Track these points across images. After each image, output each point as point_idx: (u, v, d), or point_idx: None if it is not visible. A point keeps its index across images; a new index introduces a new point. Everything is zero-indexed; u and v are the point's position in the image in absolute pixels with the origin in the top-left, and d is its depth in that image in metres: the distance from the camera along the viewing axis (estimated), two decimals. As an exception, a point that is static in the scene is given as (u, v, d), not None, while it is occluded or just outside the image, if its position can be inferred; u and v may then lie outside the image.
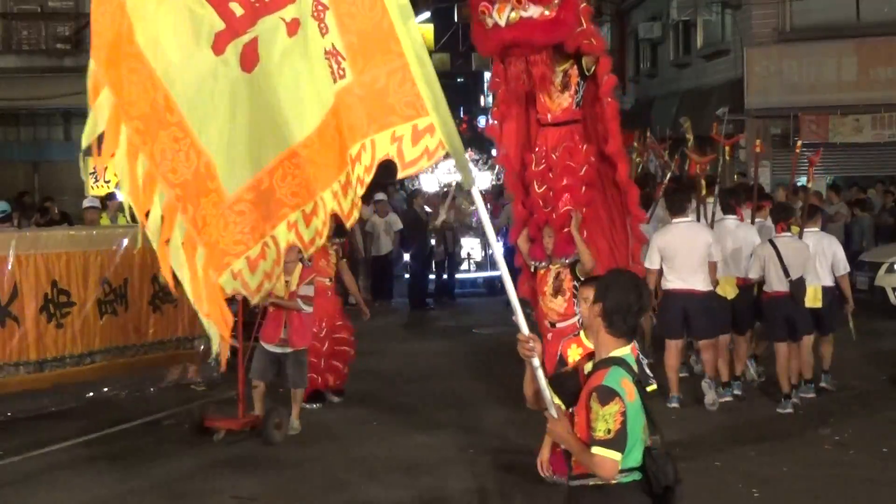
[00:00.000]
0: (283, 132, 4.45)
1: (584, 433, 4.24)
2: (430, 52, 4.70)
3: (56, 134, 22.71)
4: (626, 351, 4.33)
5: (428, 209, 19.41)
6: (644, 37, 28.81)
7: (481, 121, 39.77)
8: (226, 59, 4.41)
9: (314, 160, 4.42)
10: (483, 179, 21.24)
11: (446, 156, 4.25)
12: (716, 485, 7.73)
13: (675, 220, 10.41)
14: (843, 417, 9.87)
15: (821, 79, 21.29)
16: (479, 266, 20.27)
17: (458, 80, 46.77)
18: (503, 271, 4.54)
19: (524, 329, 4.43)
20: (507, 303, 14.19)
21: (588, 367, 4.43)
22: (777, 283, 10.24)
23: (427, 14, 34.29)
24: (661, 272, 10.27)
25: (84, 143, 4.25)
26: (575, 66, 8.11)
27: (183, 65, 4.41)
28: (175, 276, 4.34)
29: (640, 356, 4.54)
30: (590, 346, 5.38)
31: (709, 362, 10.49)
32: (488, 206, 19.13)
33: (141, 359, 11.01)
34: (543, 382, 4.37)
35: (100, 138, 4.23)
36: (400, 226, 18.51)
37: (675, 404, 10.06)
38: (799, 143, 12.50)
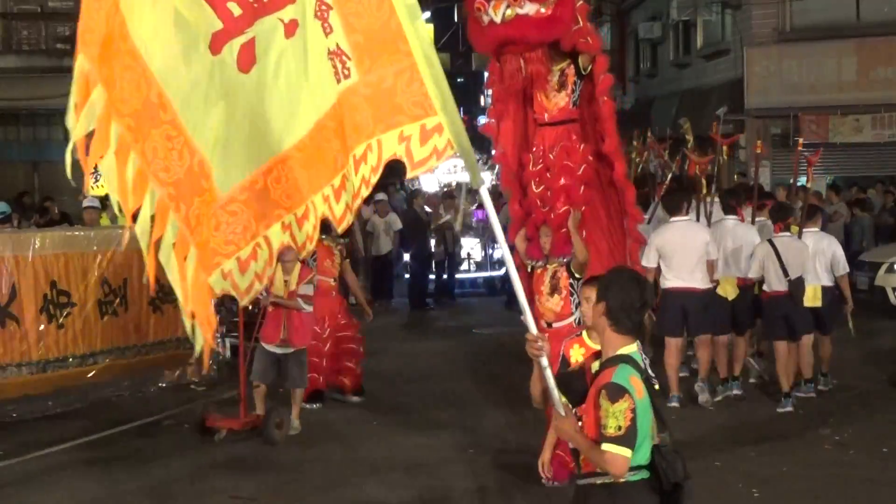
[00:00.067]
0: (279, 134, 4.44)
1: (593, 432, 4.24)
2: (432, 53, 4.66)
3: (56, 134, 22.69)
4: (633, 348, 4.33)
5: (428, 209, 19.42)
6: (644, 37, 28.80)
7: (481, 120, 39.61)
8: (222, 58, 4.40)
9: (306, 164, 4.40)
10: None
11: (455, 156, 4.23)
12: (716, 485, 7.73)
13: (672, 219, 10.45)
14: (843, 417, 9.87)
15: (821, 79, 21.30)
16: (479, 266, 20.28)
17: (458, 80, 46.75)
18: (511, 271, 4.53)
19: (532, 328, 4.44)
20: (507, 303, 14.28)
21: (595, 365, 4.43)
22: (776, 283, 10.25)
23: (427, 14, 34.36)
24: (659, 271, 10.29)
25: (75, 138, 4.25)
26: (572, 65, 8.09)
27: (178, 63, 4.40)
28: (158, 277, 4.33)
29: (643, 355, 4.53)
30: (592, 345, 5.38)
31: (704, 361, 10.53)
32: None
33: (141, 359, 11.03)
34: (551, 381, 4.38)
35: (88, 137, 4.23)
36: (400, 226, 18.52)
37: (675, 403, 10.07)
38: (801, 141, 12.48)
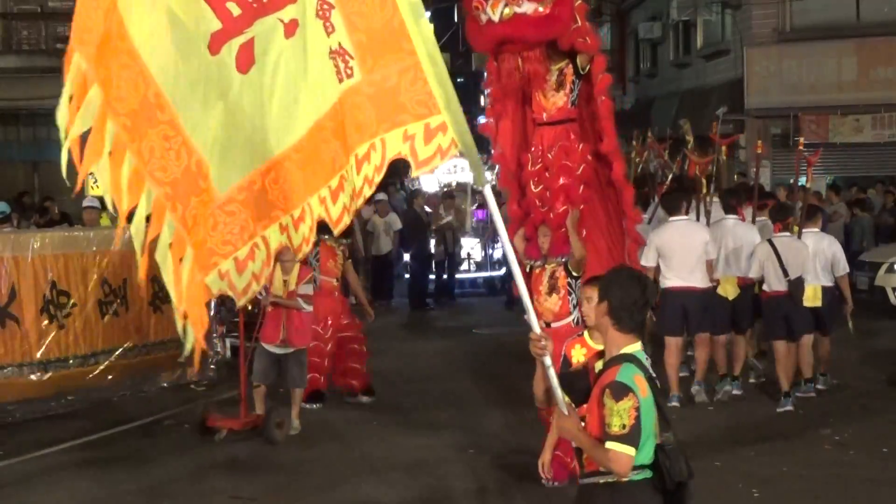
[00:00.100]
0: (277, 135, 4.42)
1: (597, 430, 4.24)
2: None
3: (56, 134, 22.32)
4: (636, 347, 4.33)
5: (428, 209, 19.43)
6: (644, 37, 28.81)
7: (481, 120, 39.64)
8: (221, 59, 4.40)
9: (303, 165, 4.38)
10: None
11: (459, 154, 4.22)
12: (716, 485, 7.72)
13: (671, 219, 10.46)
14: (843, 417, 9.87)
15: (821, 79, 21.30)
16: (479, 266, 20.28)
17: (458, 80, 46.82)
18: (515, 269, 4.53)
19: (536, 328, 4.44)
20: (507, 303, 14.25)
21: (599, 365, 4.43)
22: (776, 283, 10.26)
23: (427, 14, 34.28)
24: (658, 270, 10.30)
25: (71, 137, 4.25)
26: (570, 65, 8.08)
27: (177, 63, 4.40)
28: (150, 277, 4.33)
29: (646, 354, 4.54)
30: (594, 346, 5.38)
31: (701, 361, 10.56)
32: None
33: (142, 359, 11.03)
34: (555, 381, 4.38)
35: (82, 137, 4.22)
36: (399, 226, 18.52)
37: (675, 403, 10.06)
38: (802, 140, 12.49)
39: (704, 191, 11.66)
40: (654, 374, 4.38)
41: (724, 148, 12.53)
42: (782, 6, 21.89)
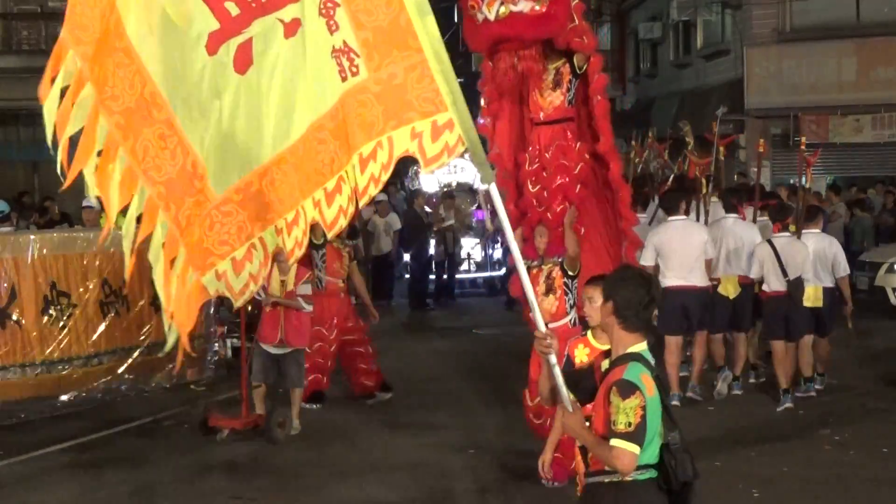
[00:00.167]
0: (273, 136, 4.39)
1: (602, 429, 4.24)
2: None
3: (56, 134, 22.70)
4: (643, 346, 4.32)
5: (428, 209, 19.42)
6: (644, 37, 28.80)
7: (481, 121, 39.68)
8: (219, 59, 4.39)
9: (298, 167, 4.35)
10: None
11: (465, 152, 4.22)
12: (716, 485, 7.72)
13: (670, 219, 10.48)
14: (842, 417, 9.87)
15: (821, 79, 21.29)
16: (479, 266, 20.26)
17: (459, 80, 46.68)
18: (520, 267, 4.52)
19: (541, 326, 4.43)
20: (507, 303, 14.20)
21: (605, 364, 4.43)
22: (775, 283, 10.26)
23: (427, 14, 34.23)
24: (656, 269, 10.31)
25: (66, 136, 4.25)
26: (567, 64, 8.07)
27: (175, 63, 4.40)
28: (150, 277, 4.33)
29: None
30: (597, 345, 5.38)
31: (698, 360, 10.58)
32: (489, 207, 19.18)
33: (142, 360, 11.03)
34: (560, 379, 4.38)
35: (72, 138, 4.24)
36: (399, 225, 18.51)
37: (675, 402, 10.06)
38: (804, 140, 12.48)
39: (704, 191, 11.67)
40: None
41: (722, 148, 12.54)
42: (782, 6, 21.89)
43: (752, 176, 14.06)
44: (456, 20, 38.25)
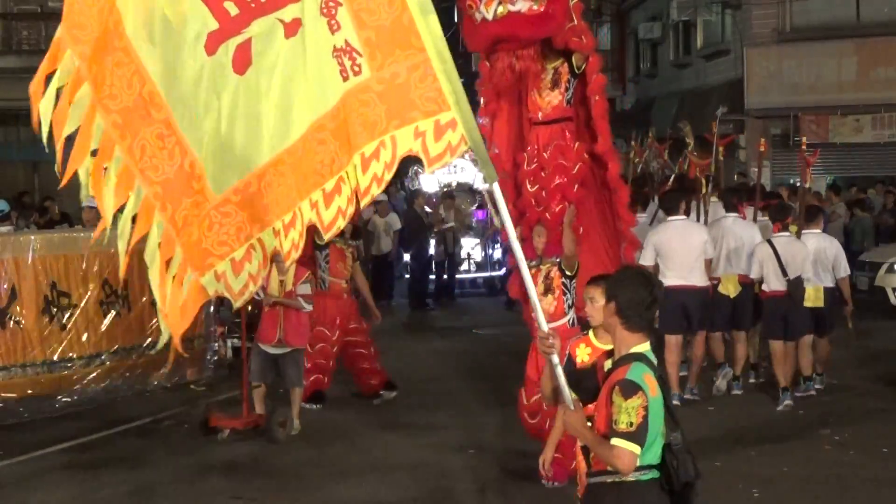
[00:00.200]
0: (272, 137, 4.38)
1: (604, 429, 4.24)
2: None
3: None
4: (646, 347, 4.32)
5: (428, 209, 19.41)
6: (644, 37, 28.80)
7: (479, 121, 39.67)
8: (218, 59, 4.38)
9: (295, 169, 4.34)
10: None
11: (468, 151, 4.21)
12: (716, 485, 7.72)
13: (669, 219, 10.49)
14: (842, 417, 9.87)
15: (821, 79, 21.29)
16: (479, 266, 20.25)
17: (460, 80, 46.79)
18: (523, 267, 4.52)
19: (544, 326, 4.43)
20: (507, 303, 14.16)
21: (608, 364, 4.43)
22: (775, 282, 10.27)
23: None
24: (656, 269, 10.31)
25: (62, 135, 4.25)
26: (565, 63, 8.06)
27: (174, 63, 4.39)
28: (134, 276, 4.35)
29: None
30: (599, 345, 5.37)
31: (697, 359, 10.58)
32: (489, 207, 19.17)
33: (143, 360, 11.03)
34: (562, 379, 4.38)
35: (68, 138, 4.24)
36: (399, 225, 18.51)
37: (675, 402, 10.07)
38: (805, 140, 12.48)
39: (704, 191, 11.68)
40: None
41: (721, 148, 12.55)
42: (782, 6, 21.88)
43: (752, 176, 14.09)
44: (456, 20, 38.30)
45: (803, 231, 10.80)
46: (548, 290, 7.95)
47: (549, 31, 7.67)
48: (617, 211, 8.40)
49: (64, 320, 10.36)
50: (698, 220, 11.27)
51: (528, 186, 8.20)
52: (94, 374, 10.60)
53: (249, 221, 4.44)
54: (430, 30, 4.09)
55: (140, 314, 11.06)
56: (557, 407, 4.72)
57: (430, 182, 21.13)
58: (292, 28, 4.34)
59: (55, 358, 10.27)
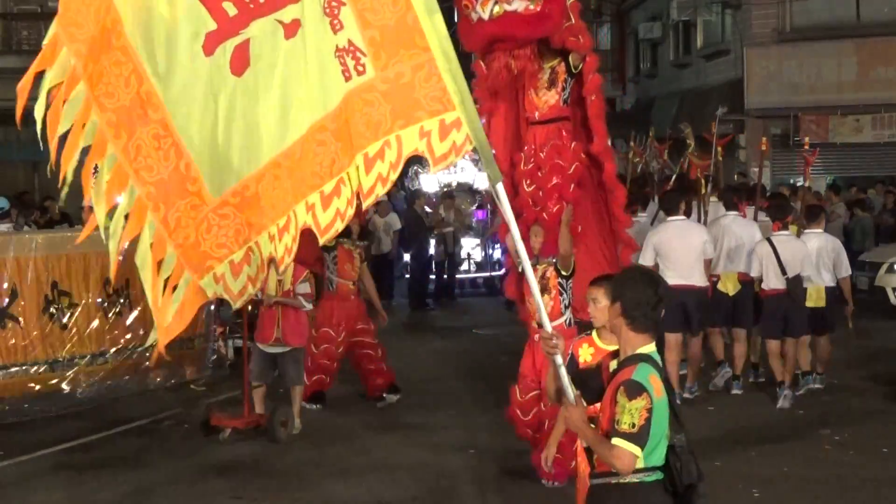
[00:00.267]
0: (270, 140, 4.36)
1: (608, 429, 4.23)
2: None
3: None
4: (651, 347, 4.31)
5: (428, 209, 19.40)
6: (644, 37, 28.80)
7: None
8: (215, 60, 4.37)
9: (292, 171, 4.31)
10: (484, 179, 21.19)
11: (473, 151, 4.20)
12: (716, 485, 7.70)
13: (669, 219, 10.50)
14: (843, 417, 9.88)
15: (821, 79, 21.30)
16: (479, 266, 20.25)
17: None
18: (527, 267, 4.52)
19: (547, 326, 4.43)
20: (507, 303, 14.12)
21: (613, 364, 4.42)
22: (775, 281, 10.29)
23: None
24: (655, 269, 10.33)
25: (56, 134, 4.25)
26: (562, 63, 8.05)
27: (172, 64, 4.39)
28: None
29: None
30: (601, 345, 5.38)
31: (694, 360, 10.58)
32: (489, 207, 19.18)
33: (143, 360, 11.02)
34: (566, 380, 4.37)
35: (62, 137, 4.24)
36: (399, 225, 18.50)
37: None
38: (807, 140, 12.48)
39: (703, 191, 11.69)
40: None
41: (720, 148, 12.57)
42: (782, 6, 21.89)
43: (752, 176, 14.09)
44: (456, 20, 38.33)
45: (805, 230, 10.81)
46: (544, 290, 7.93)
47: (546, 30, 7.65)
48: (613, 212, 8.39)
49: (65, 320, 10.36)
50: (698, 220, 11.29)
51: (525, 186, 8.19)
52: (95, 374, 10.60)
53: (248, 224, 4.42)
54: (435, 29, 4.08)
55: (140, 314, 11.04)
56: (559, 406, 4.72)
57: (430, 182, 21.12)
58: (292, 29, 4.32)
59: (55, 357, 10.27)
